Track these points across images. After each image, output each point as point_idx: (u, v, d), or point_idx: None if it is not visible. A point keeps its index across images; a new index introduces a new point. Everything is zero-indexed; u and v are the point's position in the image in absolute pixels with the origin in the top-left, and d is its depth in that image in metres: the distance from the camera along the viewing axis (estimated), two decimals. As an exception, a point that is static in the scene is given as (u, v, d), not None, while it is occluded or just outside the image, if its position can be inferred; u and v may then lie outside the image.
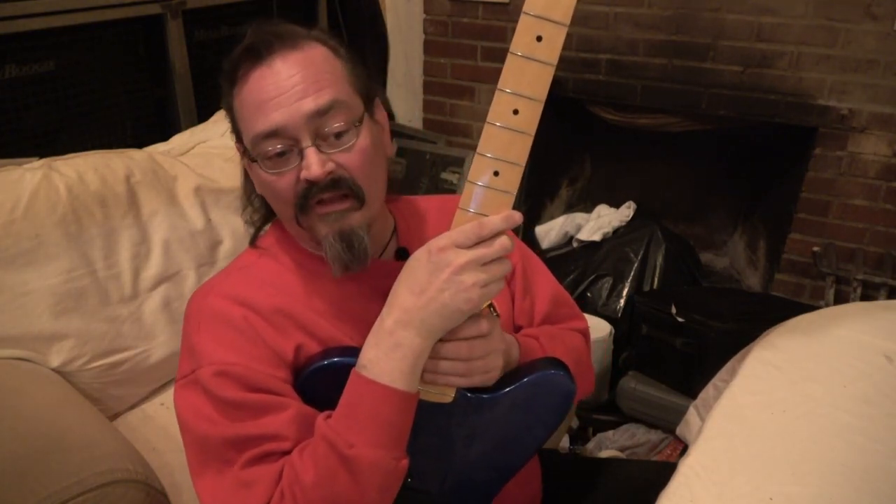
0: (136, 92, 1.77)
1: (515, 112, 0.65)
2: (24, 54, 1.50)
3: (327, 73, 0.76)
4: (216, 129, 1.53)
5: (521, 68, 0.64)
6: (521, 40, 0.64)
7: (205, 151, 1.45)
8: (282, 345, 0.78)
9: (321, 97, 0.74)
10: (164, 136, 1.57)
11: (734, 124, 2.27)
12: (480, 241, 0.67)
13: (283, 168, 0.76)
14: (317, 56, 0.77)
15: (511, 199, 0.69)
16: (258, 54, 0.76)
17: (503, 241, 0.68)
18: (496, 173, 0.67)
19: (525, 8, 0.63)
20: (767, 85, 2.14)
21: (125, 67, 1.73)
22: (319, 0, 2.29)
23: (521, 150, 0.67)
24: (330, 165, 0.75)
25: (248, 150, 0.78)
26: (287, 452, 0.73)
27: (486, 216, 0.68)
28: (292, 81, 0.74)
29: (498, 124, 0.66)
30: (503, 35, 2.43)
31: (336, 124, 0.75)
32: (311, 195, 0.75)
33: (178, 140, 1.53)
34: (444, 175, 2.57)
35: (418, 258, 0.69)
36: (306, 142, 0.74)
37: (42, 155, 1.26)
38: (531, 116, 0.66)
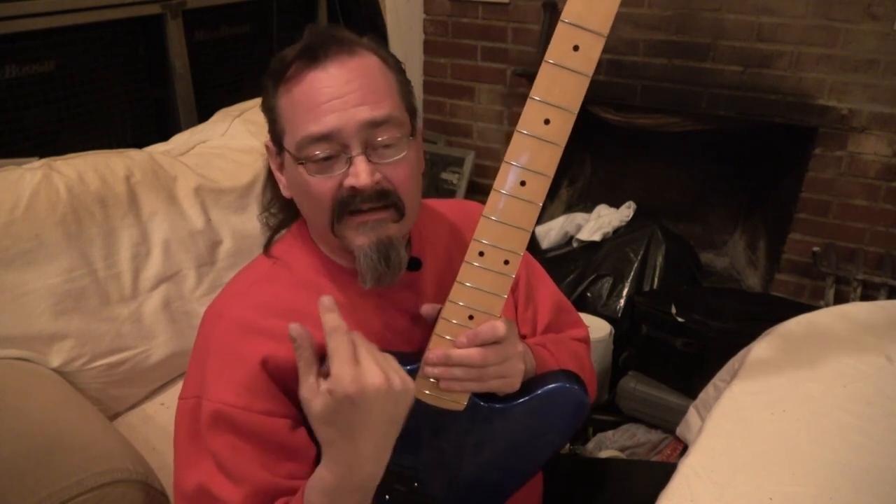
0: (136, 92, 1.77)
1: (547, 122, 0.64)
2: (24, 54, 1.50)
3: (383, 85, 0.76)
4: (216, 129, 1.53)
5: (556, 78, 0.63)
6: (556, 49, 0.62)
7: (205, 151, 1.45)
8: (291, 365, 0.77)
9: (378, 109, 0.73)
10: (164, 136, 1.57)
11: (734, 124, 2.27)
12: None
13: (328, 173, 0.74)
14: (372, 65, 0.76)
15: (537, 211, 0.68)
16: (314, 56, 0.74)
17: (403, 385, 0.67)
18: (523, 183, 0.66)
19: (563, 16, 0.61)
20: (767, 85, 2.14)
21: (125, 67, 1.73)
22: (319, 0, 2.29)
23: (549, 160, 0.65)
24: (378, 175, 0.74)
25: (292, 152, 0.76)
26: None
27: (511, 226, 0.67)
28: (350, 87, 0.73)
29: (527, 133, 0.65)
30: (503, 35, 2.44)
31: (387, 136, 0.74)
32: (353, 203, 0.75)
33: (178, 140, 1.53)
34: (445, 175, 2.57)
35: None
36: (356, 150, 0.73)
37: (42, 155, 1.26)
38: (563, 127, 0.64)
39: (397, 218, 0.77)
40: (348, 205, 0.75)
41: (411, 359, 0.75)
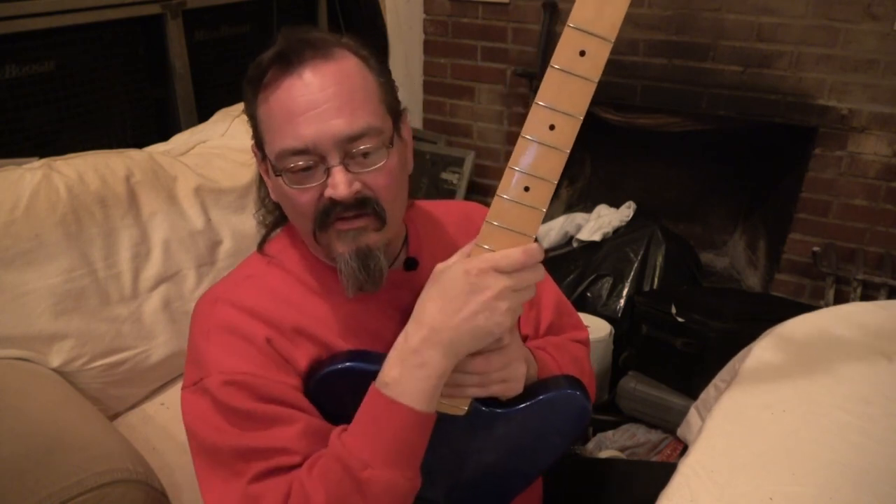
0: (135, 92, 1.77)
1: (552, 128, 0.63)
2: (24, 54, 1.50)
3: (360, 90, 0.74)
4: (216, 129, 1.53)
5: (561, 83, 0.62)
6: (563, 54, 0.61)
7: (205, 151, 1.45)
8: (294, 355, 0.77)
9: (355, 122, 0.72)
10: (164, 136, 1.57)
11: (734, 124, 2.27)
12: (522, 269, 0.66)
13: (307, 184, 0.74)
14: (349, 69, 0.74)
15: (541, 217, 0.67)
16: (288, 62, 0.73)
17: (540, 272, 0.67)
18: (526, 189, 0.65)
19: (570, 21, 0.60)
20: (767, 85, 2.14)
21: (125, 67, 1.73)
22: (319, 0, 2.29)
23: (554, 166, 0.64)
24: (356, 185, 0.73)
25: (272, 162, 0.76)
26: (295, 467, 0.72)
27: (514, 231, 0.67)
28: (325, 95, 0.71)
29: (532, 139, 0.64)
30: (503, 35, 2.43)
31: (365, 146, 0.73)
32: (333, 213, 0.74)
33: (178, 140, 1.53)
34: (444, 175, 2.57)
35: (453, 277, 0.67)
36: (334, 160, 0.72)
37: (42, 155, 1.26)
38: (568, 133, 0.63)
39: (378, 226, 0.76)
40: (329, 214, 0.74)
41: None
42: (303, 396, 0.76)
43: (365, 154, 0.73)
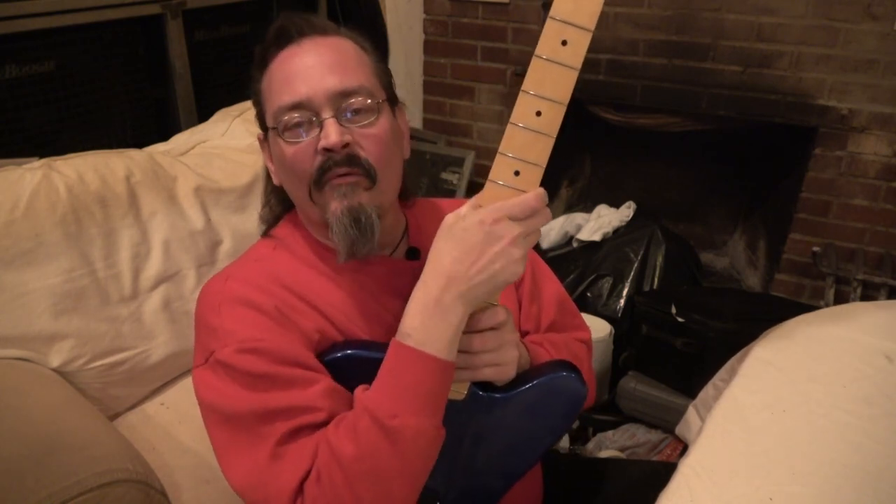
0: (135, 92, 1.77)
1: (538, 114, 0.67)
2: (24, 54, 1.50)
3: (354, 59, 0.80)
4: (216, 129, 1.53)
5: (545, 71, 0.66)
6: (546, 44, 0.65)
7: (205, 151, 1.45)
8: (306, 327, 0.78)
9: (347, 80, 0.77)
10: (164, 136, 1.57)
11: (734, 124, 2.27)
12: (533, 215, 0.68)
13: (301, 138, 0.77)
14: (347, 46, 0.81)
15: None
16: (289, 36, 0.79)
17: (547, 214, 0.69)
18: (517, 173, 0.68)
19: (551, 12, 0.64)
20: (767, 85, 2.14)
21: (125, 67, 1.73)
22: (319, 0, 2.29)
23: (542, 151, 0.68)
24: (347, 137, 0.76)
25: (270, 125, 0.80)
26: (321, 424, 0.72)
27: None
28: (322, 59, 0.77)
29: (520, 125, 0.67)
30: (503, 35, 2.44)
31: (357, 102, 0.77)
32: (327, 168, 0.76)
33: (178, 140, 1.53)
34: (444, 175, 2.57)
35: (467, 227, 0.68)
36: (327, 114, 0.76)
37: (42, 155, 1.26)
38: (553, 119, 0.67)
39: (369, 185, 0.78)
40: (323, 172, 0.77)
41: None
42: (321, 366, 0.77)
43: (356, 111, 0.78)
